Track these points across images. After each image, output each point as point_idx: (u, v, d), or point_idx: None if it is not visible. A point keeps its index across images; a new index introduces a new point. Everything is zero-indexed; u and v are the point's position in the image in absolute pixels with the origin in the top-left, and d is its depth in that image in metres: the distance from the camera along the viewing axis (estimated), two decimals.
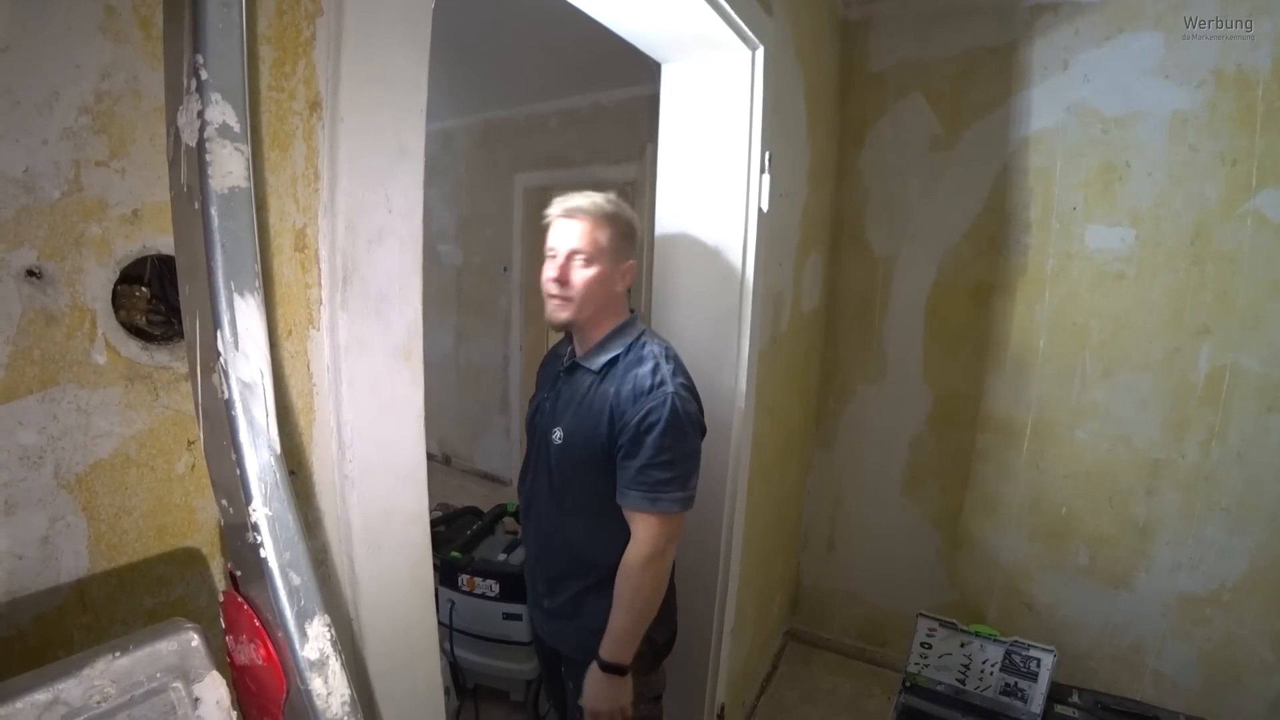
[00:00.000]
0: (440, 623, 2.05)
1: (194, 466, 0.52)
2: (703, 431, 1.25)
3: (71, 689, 0.32)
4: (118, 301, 0.48)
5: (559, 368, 1.33)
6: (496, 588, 2.01)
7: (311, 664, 0.37)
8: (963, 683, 1.85)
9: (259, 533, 0.37)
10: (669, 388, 1.17)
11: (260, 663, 0.37)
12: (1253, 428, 1.78)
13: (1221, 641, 1.88)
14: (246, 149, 0.37)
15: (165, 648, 0.35)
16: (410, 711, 0.73)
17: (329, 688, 0.37)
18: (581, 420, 1.22)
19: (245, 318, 0.37)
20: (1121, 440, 1.96)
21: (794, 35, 1.67)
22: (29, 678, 0.31)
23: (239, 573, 0.39)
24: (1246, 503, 1.81)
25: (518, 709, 2.15)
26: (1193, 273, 1.81)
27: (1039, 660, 1.77)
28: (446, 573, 2.09)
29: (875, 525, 2.41)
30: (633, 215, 1.27)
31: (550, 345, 1.55)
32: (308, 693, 0.36)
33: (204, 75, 0.34)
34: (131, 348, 0.48)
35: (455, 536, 2.36)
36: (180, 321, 0.46)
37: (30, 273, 0.43)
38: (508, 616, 2.01)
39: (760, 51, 1.44)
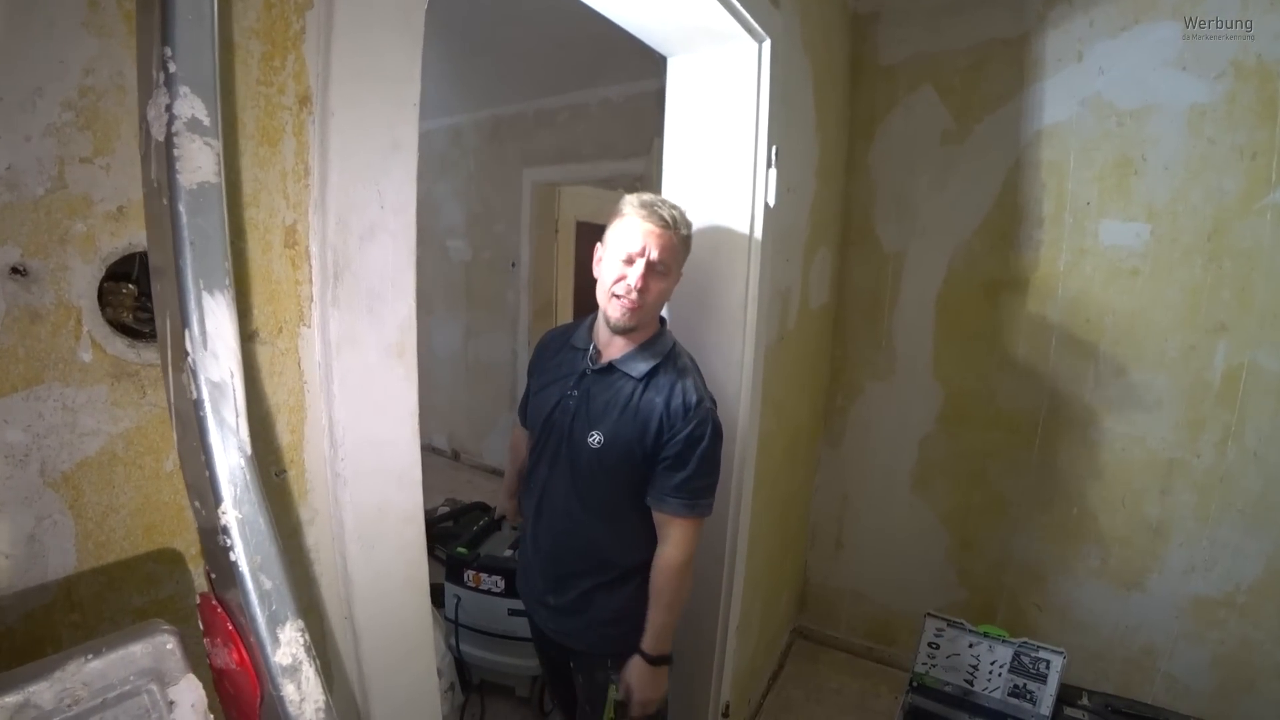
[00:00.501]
0: (446, 618, 2.06)
1: None
2: None
3: (43, 692, 0.31)
4: (104, 299, 0.47)
5: (582, 366, 1.30)
6: (502, 583, 2.01)
7: (284, 669, 0.36)
8: (970, 684, 1.83)
9: (229, 536, 0.36)
10: (708, 403, 1.24)
11: (234, 667, 0.37)
12: (1270, 427, 1.74)
13: (1235, 645, 1.85)
14: (217, 144, 0.36)
15: (140, 650, 0.35)
16: (406, 710, 0.73)
17: (302, 694, 0.37)
18: (625, 427, 1.21)
19: (215, 317, 0.36)
20: (1135, 440, 1.93)
21: (802, 27, 1.65)
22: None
23: (214, 575, 0.38)
24: (1263, 504, 1.77)
25: (523, 704, 2.15)
26: (1210, 269, 1.77)
27: (1048, 662, 1.75)
28: (452, 568, 2.09)
29: (884, 524, 2.39)
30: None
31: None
32: (280, 699, 0.36)
33: (172, 68, 0.34)
34: (118, 345, 0.48)
35: (463, 532, 2.36)
36: None
37: (15, 270, 0.43)
38: (513, 612, 2.01)
39: (767, 44, 1.42)
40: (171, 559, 0.52)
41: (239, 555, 0.36)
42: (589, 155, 3.57)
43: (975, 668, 1.84)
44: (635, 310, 1.19)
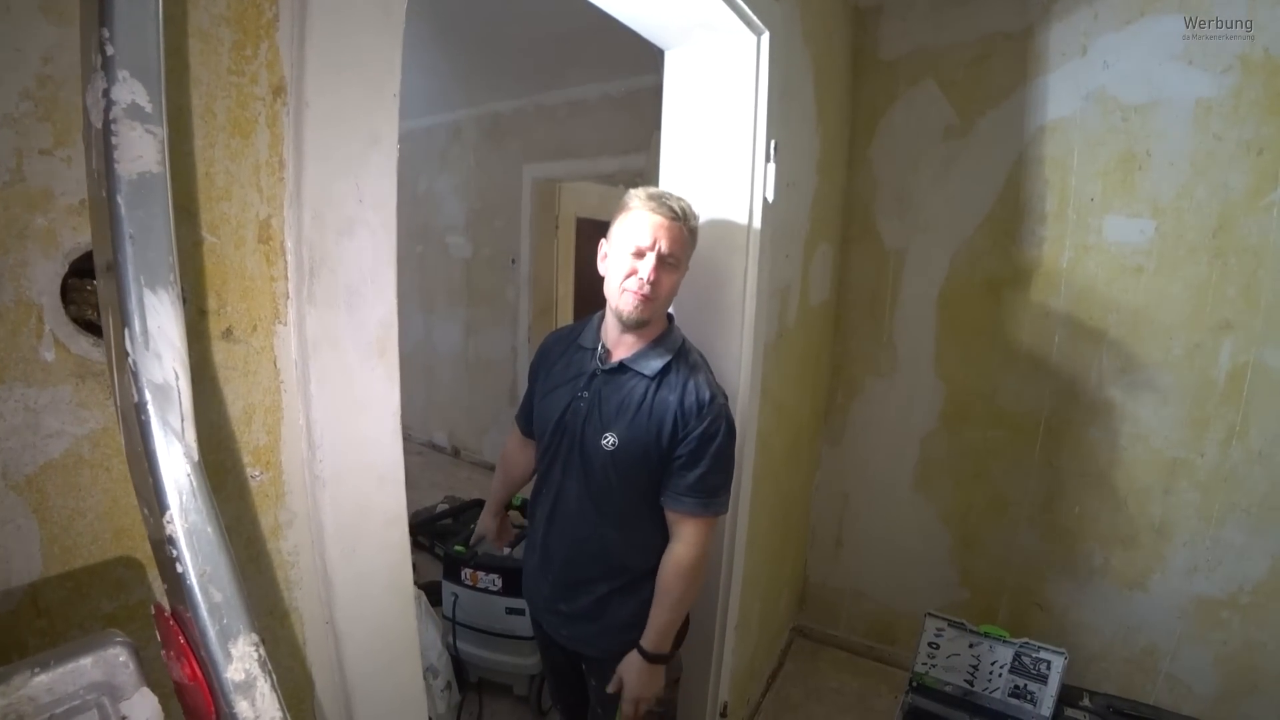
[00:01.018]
0: (444, 616, 2.05)
1: None
2: None
3: None
4: (68, 296, 0.46)
5: (591, 366, 1.28)
6: (500, 582, 2.00)
7: (237, 685, 0.35)
8: (971, 684, 1.82)
9: (175, 546, 0.35)
10: (721, 399, 1.23)
11: (188, 682, 0.35)
12: (1276, 426, 1.72)
13: (1239, 646, 1.83)
14: (160, 131, 0.34)
15: (90, 663, 0.33)
16: (391, 715, 0.71)
17: (256, 711, 0.35)
18: (639, 427, 1.20)
19: (158, 316, 0.35)
20: (1139, 438, 1.90)
21: (802, 20, 1.63)
22: None
23: (165, 586, 0.37)
24: (1268, 504, 1.75)
25: (521, 703, 2.14)
26: (1215, 266, 1.74)
27: (1049, 662, 1.73)
28: (450, 566, 2.08)
29: (884, 522, 2.37)
30: None
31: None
32: (233, 716, 0.34)
33: (110, 50, 0.32)
34: (82, 344, 0.46)
35: (462, 530, 2.35)
36: None
37: None
38: (511, 611, 2.00)
39: (766, 37, 1.40)
40: (141, 564, 0.50)
41: (187, 567, 0.35)
42: (589, 151, 3.55)
43: (976, 668, 1.82)
44: (648, 303, 1.18)
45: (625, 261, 1.17)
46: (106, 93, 0.32)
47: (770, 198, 1.50)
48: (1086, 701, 1.74)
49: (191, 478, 0.36)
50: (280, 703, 0.37)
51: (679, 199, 1.20)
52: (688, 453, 1.19)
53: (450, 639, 2.04)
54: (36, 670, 0.32)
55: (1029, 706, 1.73)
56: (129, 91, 0.32)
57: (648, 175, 3.17)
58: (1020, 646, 1.78)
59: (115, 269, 0.33)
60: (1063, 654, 1.73)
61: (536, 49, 3.21)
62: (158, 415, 0.35)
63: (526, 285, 3.97)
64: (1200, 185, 1.74)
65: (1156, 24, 1.73)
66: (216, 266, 0.52)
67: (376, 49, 0.58)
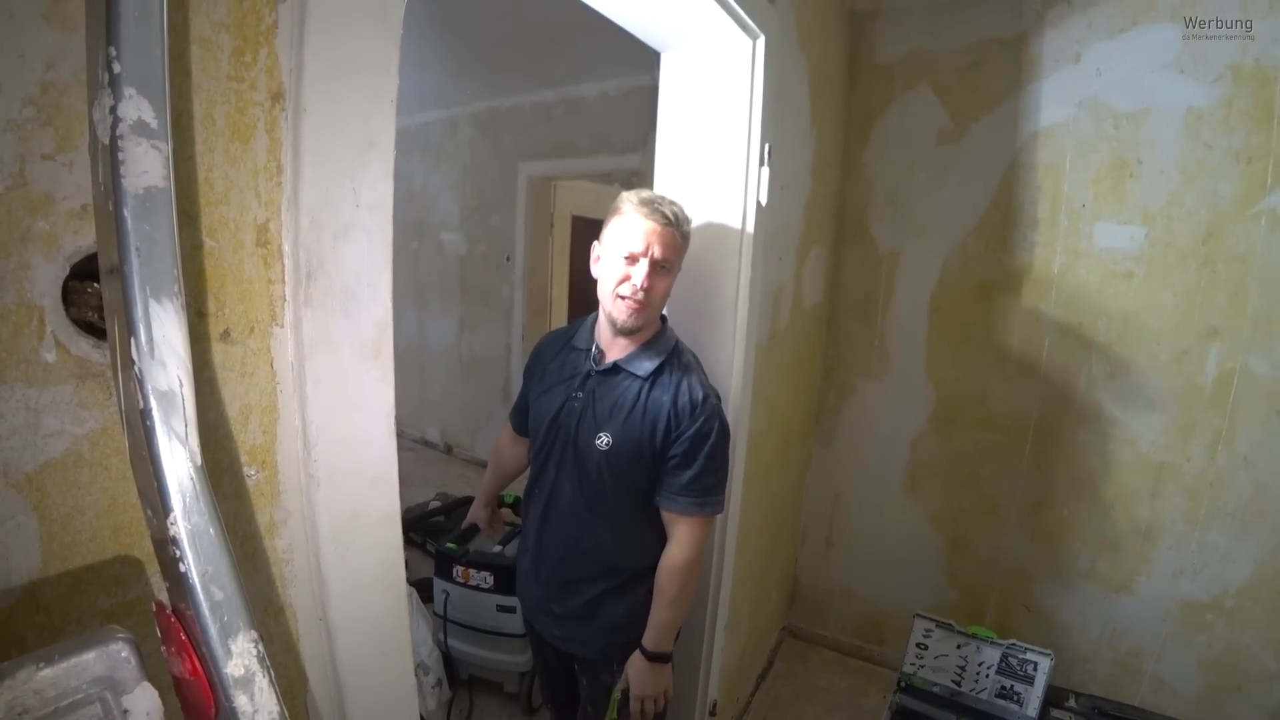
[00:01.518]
0: (435, 613, 2.06)
1: None
2: None
3: None
4: (69, 298, 0.46)
5: (585, 367, 1.29)
6: (491, 580, 2.01)
7: (236, 680, 0.36)
8: (958, 684, 1.84)
9: (178, 547, 0.36)
10: (714, 400, 1.24)
11: (188, 677, 0.36)
12: (1261, 432, 1.74)
13: (1223, 648, 1.85)
14: (166, 146, 0.35)
15: (93, 658, 0.34)
16: (383, 711, 0.72)
17: (255, 705, 0.36)
18: (633, 427, 1.21)
19: (162, 325, 0.35)
20: (1126, 443, 1.93)
21: (798, 24, 1.64)
22: None
23: (167, 584, 0.38)
24: (1252, 508, 1.78)
25: (511, 700, 2.15)
26: (1204, 273, 1.77)
27: (1036, 664, 1.75)
28: (442, 563, 2.09)
29: (874, 523, 2.39)
30: None
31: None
32: (232, 710, 0.35)
33: (116, 68, 0.33)
34: (83, 345, 0.47)
35: (454, 527, 2.36)
36: None
37: None
38: (502, 609, 2.01)
39: (761, 41, 1.41)
40: (139, 561, 0.51)
41: (189, 566, 0.35)
42: (585, 149, 3.56)
43: (963, 668, 1.84)
44: (642, 310, 1.18)
45: (618, 266, 1.18)
46: (113, 109, 0.33)
47: (764, 201, 1.51)
48: (1072, 702, 1.77)
49: (194, 480, 0.37)
50: (278, 697, 0.38)
51: (672, 203, 1.20)
52: (681, 453, 1.20)
53: (441, 636, 2.05)
54: (41, 665, 0.33)
55: (1015, 707, 1.76)
56: (135, 108, 0.33)
57: (643, 174, 3.18)
58: (1007, 648, 1.80)
59: (121, 279, 0.34)
60: (1049, 655, 1.75)
61: (533, 46, 3.21)
62: (162, 420, 0.36)
63: (521, 283, 3.98)
64: (1190, 193, 1.76)
65: (1149, 33, 1.75)
66: (215, 269, 0.53)
67: (374, 54, 0.59)
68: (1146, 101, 1.78)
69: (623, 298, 1.18)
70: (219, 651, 0.36)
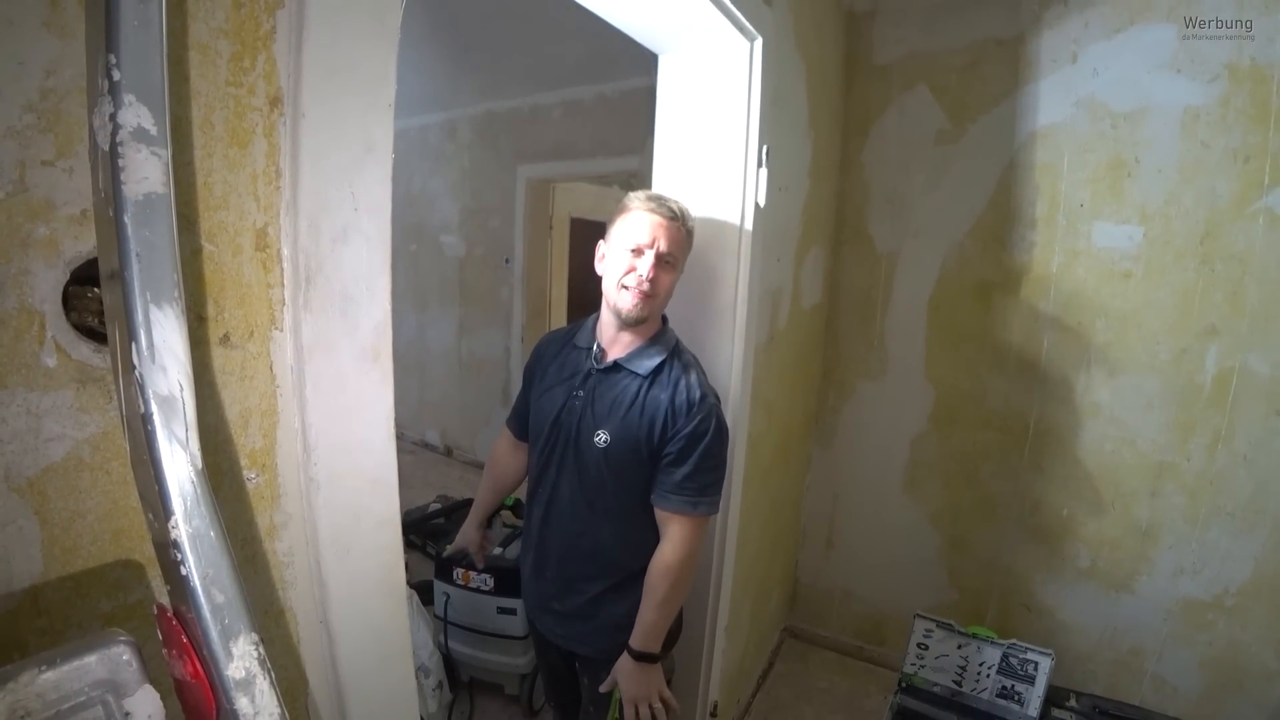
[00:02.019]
0: (435, 616, 2.06)
1: None
2: None
3: None
4: (69, 303, 0.47)
5: (586, 365, 1.29)
6: (491, 582, 2.01)
7: (237, 683, 0.36)
8: (959, 684, 1.84)
9: (180, 550, 0.36)
10: (712, 399, 1.24)
11: (190, 679, 0.37)
12: (1260, 431, 1.75)
13: (1223, 647, 1.85)
14: (166, 153, 0.35)
15: (95, 661, 0.35)
16: (384, 714, 0.72)
17: (256, 707, 0.36)
18: (631, 425, 1.21)
19: (163, 329, 0.36)
20: (1125, 442, 1.93)
21: (795, 26, 1.64)
22: None
23: (168, 587, 0.38)
24: (1252, 507, 1.78)
25: (512, 702, 2.15)
26: (1202, 272, 1.77)
27: (1036, 663, 1.76)
28: (442, 566, 2.09)
29: (874, 524, 2.39)
30: None
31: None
32: (233, 712, 0.36)
33: (116, 76, 0.33)
34: (83, 350, 0.47)
35: (454, 529, 2.36)
36: None
37: None
38: (502, 611, 2.01)
39: (759, 43, 1.42)
40: (140, 564, 0.51)
41: (190, 569, 0.36)
42: (584, 152, 3.56)
43: (964, 668, 1.84)
44: (648, 300, 1.19)
45: (624, 259, 1.20)
46: (113, 117, 0.33)
47: (762, 202, 1.51)
48: (1073, 702, 1.77)
49: (195, 484, 0.37)
50: (279, 699, 0.38)
51: (676, 201, 1.23)
52: (676, 451, 1.20)
53: (442, 638, 2.05)
54: (43, 668, 0.33)
55: (1016, 707, 1.76)
56: (135, 115, 0.34)
57: (642, 177, 3.18)
58: (1008, 647, 1.80)
59: (122, 284, 0.35)
60: (1050, 655, 1.75)
61: (532, 49, 3.22)
62: (163, 425, 0.36)
63: (520, 285, 3.98)
64: (1188, 192, 1.76)
65: (1146, 33, 1.76)
66: (214, 274, 0.53)
67: (372, 59, 0.59)
68: (1144, 101, 1.78)
69: (627, 288, 1.19)
70: (220, 654, 0.36)
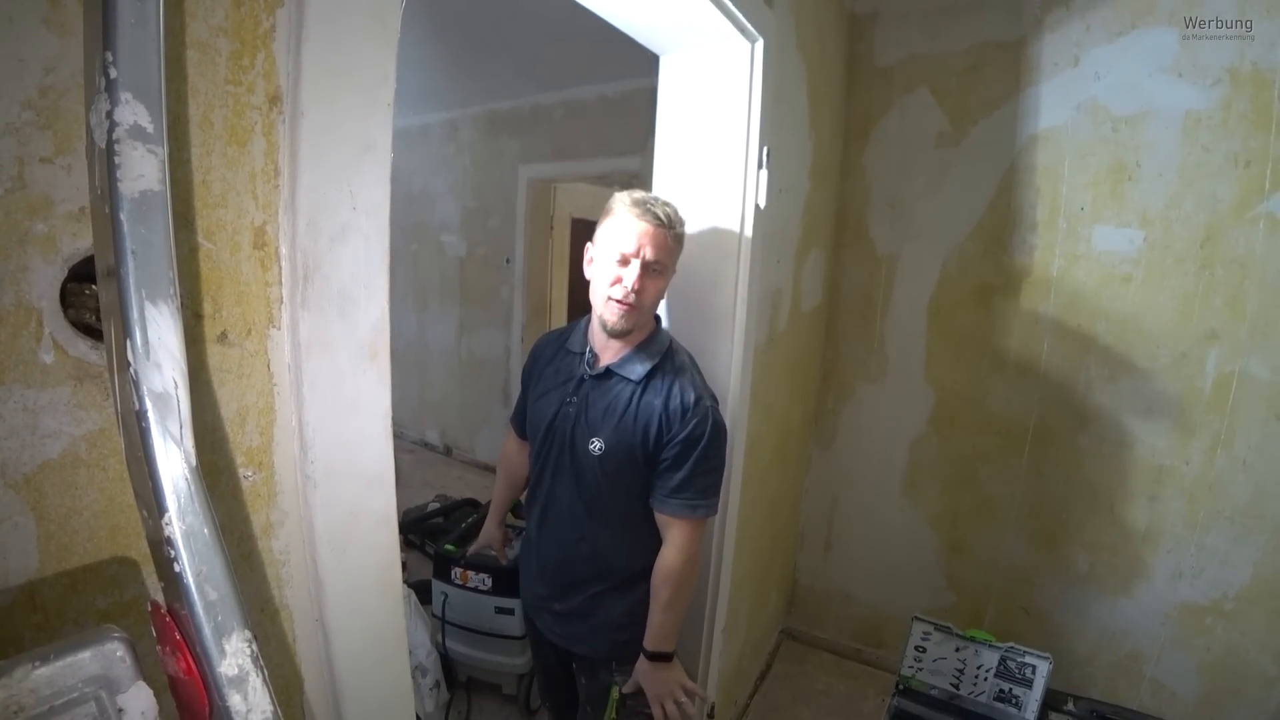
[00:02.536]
0: (433, 615, 2.06)
1: None
2: None
3: None
4: (67, 300, 0.47)
5: (580, 371, 1.28)
6: (489, 581, 2.01)
7: (230, 680, 0.36)
8: (957, 688, 1.83)
9: (173, 547, 0.36)
10: (707, 401, 1.22)
11: (183, 676, 0.37)
12: (1260, 435, 1.74)
13: (1222, 652, 1.85)
14: (162, 151, 0.36)
15: (88, 657, 0.35)
16: (379, 712, 0.72)
17: (249, 704, 0.36)
18: (625, 431, 1.20)
19: (158, 327, 0.36)
20: (1125, 446, 1.93)
21: (796, 28, 1.64)
22: None
23: (162, 584, 0.38)
24: (1251, 512, 1.78)
25: (509, 702, 2.15)
26: (1202, 276, 1.77)
27: (1034, 667, 1.75)
28: (440, 565, 2.09)
29: (873, 526, 2.39)
30: None
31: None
32: (226, 709, 0.36)
33: (113, 73, 0.33)
34: (80, 347, 0.47)
35: (453, 528, 2.36)
36: None
37: None
38: (500, 610, 2.02)
39: (760, 44, 1.42)
40: (135, 561, 0.52)
41: (184, 566, 0.36)
42: (585, 152, 3.57)
43: (962, 672, 1.84)
44: (633, 312, 1.18)
45: (610, 268, 1.18)
46: (110, 114, 0.33)
47: (762, 204, 1.51)
48: (1071, 706, 1.76)
49: (189, 482, 0.37)
50: (271, 697, 0.38)
51: (664, 204, 1.19)
52: (673, 456, 1.19)
53: (439, 638, 2.05)
54: (37, 664, 0.33)
55: (1014, 711, 1.75)
56: (131, 113, 0.34)
57: (643, 177, 3.19)
58: (1006, 651, 1.79)
59: (117, 281, 0.35)
60: (1048, 659, 1.75)
61: (533, 49, 3.22)
62: (158, 422, 0.36)
63: (521, 285, 3.99)
64: (1188, 196, 1.76)
65: (1147, 36, 1.76)
66: (212, 272, 0.53)
67: (371, 57, 0.59)
68: (1145, 105, 1.78)
69: (613, 299, 1.18)
70: (213, 651, 0.36)
